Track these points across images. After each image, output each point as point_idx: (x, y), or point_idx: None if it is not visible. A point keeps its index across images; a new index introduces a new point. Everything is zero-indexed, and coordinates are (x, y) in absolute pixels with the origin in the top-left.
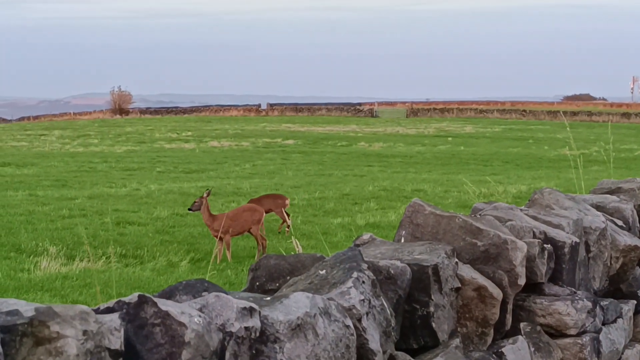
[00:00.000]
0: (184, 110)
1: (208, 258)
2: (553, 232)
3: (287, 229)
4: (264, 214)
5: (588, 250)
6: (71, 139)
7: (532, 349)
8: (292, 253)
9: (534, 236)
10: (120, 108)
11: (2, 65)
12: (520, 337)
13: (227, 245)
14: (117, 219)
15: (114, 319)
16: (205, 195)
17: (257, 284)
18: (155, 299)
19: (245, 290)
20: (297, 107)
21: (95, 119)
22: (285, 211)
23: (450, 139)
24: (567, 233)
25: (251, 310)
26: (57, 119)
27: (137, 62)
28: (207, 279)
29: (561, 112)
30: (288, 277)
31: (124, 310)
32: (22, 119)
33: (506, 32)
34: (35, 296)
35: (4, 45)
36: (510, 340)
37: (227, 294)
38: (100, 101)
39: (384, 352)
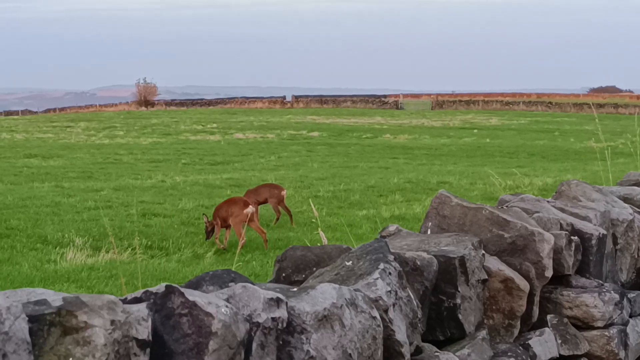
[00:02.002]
0: (209, 102)
1: (233, 250)
2: (580, 224)
3: (290, 220)
4: (247, 206)
5: (615, 243)
6: (97, 130)
7: (559, 341)
8: (318, 244)
9: (561, 228)
10: (146, 100)
11: (29, 57)
12: (547, 329)
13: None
14: (143, 210)
15: (141, 309)
16: (206, 221)
17: (284, 275)
18: (183, 289)
19: (271, 282)
20: (322, 99)
21: (120, 110)
22: (284, 202)
23: (475, 131)
24: (595, 225)
25: (278, 301)
26: (82, 111)
27: (163, 54)
28: (234, 269)
29: (592, 104)
30: (314, 269)
31: (151, 301)
32: (48, 110)
33: (533, 23)
34: (61, 287)
35: (31, 37)
36: (537, 332)
37: (253, 284)
38: (125, 93)
39: (410, 344)
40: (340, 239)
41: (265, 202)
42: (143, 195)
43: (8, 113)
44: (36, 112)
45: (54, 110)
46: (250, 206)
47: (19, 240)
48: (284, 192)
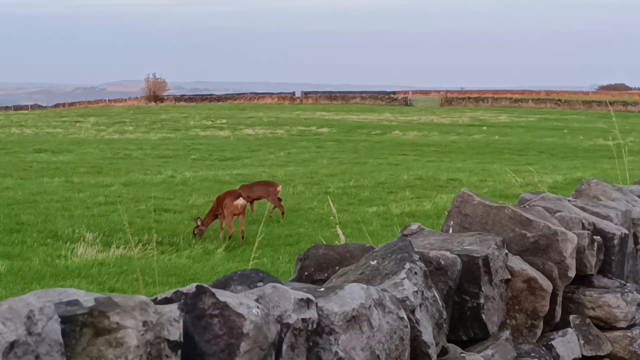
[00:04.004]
0: (219, 98)
1: (244, 246)
2: (602, 224)
3: (281, 216)
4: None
5: (636, 242)
6: (106, 125)
7: (582, 342)
8: (336, 242)
9: (583, 227)
10: (155, 95)
11: (38, 52)
12: (569, 329)
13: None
14: (153, 206)
15: (173, 310)
16: (197, 222)
17: (306, 273)
18: (214, 290)
19: (293, 280)
20: (331, 95)
21: (130, 106)
22: (278, 197)
23: (484, 128)
24: (616, 224)
25: (308, 302)
26: (92, 106)
27: (173, 49)
28: (249, 267)
29: (607, 102)
30: (337, 267)
31: (182, 301)
32: (57, 105)
33: (541, 21)
34: (72, 282)
35: (40, 33)
36: (560, 333)
37: (283, 284)
38: (135, 88)
39: (437, 344)
40: (351, 236)
41: (259, 198)
42: (153, 190)
43: (17, 108)
44: (45, 107)
45: (64, 105)
46: (241, 198)
47: (29, 236)
48: (279, 188)
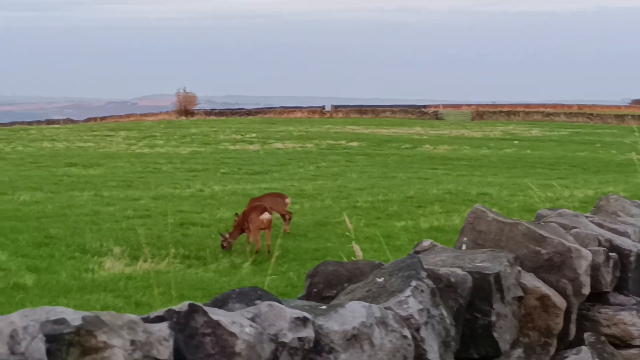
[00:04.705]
0: (249, 112)
1: (269, 260)
2: (619, 240)
3: (285, 227)
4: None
5: None
6: (137, 139)
7: None
8: (353, 258)
9: (599, 244)
10: (186, 109)
11: (71, 67)
12: (584, 347)
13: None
14: (181, 219)
15: (162, 329)
16: (225, 235)
17: (315, 290)
18: (207, 308)
19: (302, 297)
20: (361, 109)
21: (160, 120)
22: (287, 210)
23: (516, 142)
24: (633, 241)
25: (305, 320)
26: (123, 120)
27: (204, 63)
28: (268, 281)
29: None
30: (346, 284)
31: (174, 320)
32: (88, 119)
33: (573, 35)
34: (98, 297)
35: (73, 47)
36: (574, 351)
37: (281, 302)
38: (166, 102)
39: None
40: (378, 250)
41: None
42: (181, 204)
43: (49, 122)
44: (77, 121)
45: (95, 119)
46: (267, 213)
47: (57, 249)
48: (287, 200)
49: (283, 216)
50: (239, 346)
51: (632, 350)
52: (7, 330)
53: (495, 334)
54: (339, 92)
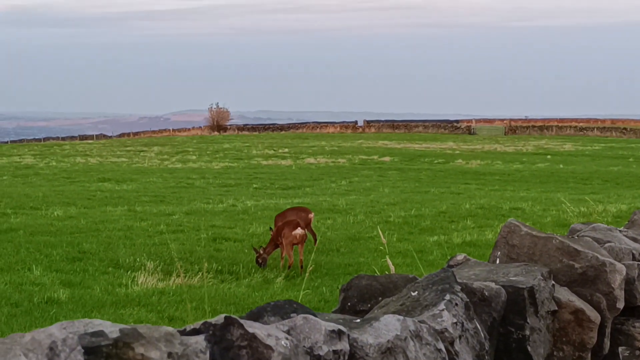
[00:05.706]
0: (281, 127)
1: (303, 275)
2: None
3: (314, 243)
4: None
5: None
6: (170, 155)
7: None
8: (386, 272)
9: (634, 258)
10: (219, 125)
11: (104, 82)
12: None
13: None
14: (214, 234)
15: (199, 341)
16: (259, 251)
17: (349, 304)
18: (242, 321)
19: (336, 311)
20: (394, 124)
21: (193, 135)
22: (310, 225)
23: (549, 156)
24: None
25: (340, 333)
26: (156, 136)
27: (236, 78)
28: (301, 296)
29: None
30: (380, 298)
31: (210, 332)
32: (122, 135)
33: (606, 48)
34: (132, 311)
35: (108, 63)
36: None
37: (315, 315)
38: (198, 118)
39: None
40: (411, 265)
41: None
42: (214, 219)
43: (83, 137)
44: (110, 137)
45: (128, 134)
46: (300, 228)
47: (91, 264)
48: (311, 215)
49: (307, 229)
50: (275, 358)
51: None
52: (46, 342)
53: (529, 348)
54: (371, 107)
